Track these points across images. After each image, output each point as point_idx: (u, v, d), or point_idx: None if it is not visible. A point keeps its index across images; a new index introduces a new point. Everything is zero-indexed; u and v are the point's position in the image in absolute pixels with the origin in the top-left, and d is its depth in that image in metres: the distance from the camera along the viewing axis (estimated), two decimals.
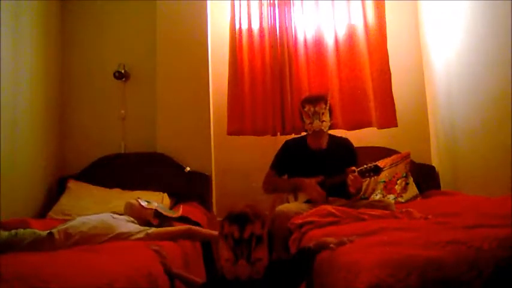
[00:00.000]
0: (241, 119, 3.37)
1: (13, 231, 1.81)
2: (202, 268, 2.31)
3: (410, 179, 3.14)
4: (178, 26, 3.34)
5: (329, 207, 2.19)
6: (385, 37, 3.43)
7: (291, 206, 2.46)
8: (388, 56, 3.40)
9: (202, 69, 3.33)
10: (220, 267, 1.42)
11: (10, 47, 2.69)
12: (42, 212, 2.91)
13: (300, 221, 2.14)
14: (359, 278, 1.18)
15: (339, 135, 2.90)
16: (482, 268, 1.18)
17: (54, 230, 1.86)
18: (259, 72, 3.42)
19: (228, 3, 3.49)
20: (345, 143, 2.76)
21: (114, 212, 2.25)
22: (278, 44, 3.43)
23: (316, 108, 2.59)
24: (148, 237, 1.98)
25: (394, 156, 3.24)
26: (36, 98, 3.01)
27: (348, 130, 3.36)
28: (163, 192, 2.95)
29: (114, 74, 3.36)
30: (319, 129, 2.59)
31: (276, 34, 3.45)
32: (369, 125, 3.40)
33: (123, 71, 3.37)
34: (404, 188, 3.09)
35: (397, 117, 3.35)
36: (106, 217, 2.06)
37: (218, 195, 3.33)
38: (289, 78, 3.39)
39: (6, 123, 2.60)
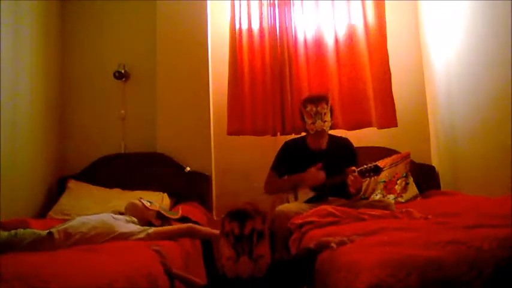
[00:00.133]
0: (241, 119, 3.37)
1: (13, 231, 1.80)
2: (202, 268, 2.31)
3: (410, 179, 3.14)
4: (178, 26, 3.35)
5: (329, 207, 2.19)
6: (385, 37, 3.43)
7: (291, 206, 2.46)
8: (388, 56, 3.40)
9: (202, 69, 3.33)
10: (221, 266, 1.41)
11: (10, 47, 2.69)
12: (42, 212, 2.91)
13: (300, 221, 2.14)
14: (359, 278, 1.18)
15: (339, 135, 2.90)
16: (482, 268, 1.18)
17: (53, 230, 1.86)
18: (259, 72, 3.42)
19: (228, 3, 3.49)
20: (344, 143, 2.76)
21: (114, 212, 2.25)
22: (278, 44, 3.43)
23: (318, 108, 2.59)
24: (149, 237, 1.98)
25: (394, 156, 3.25)
26: (36, 98, 3.01)
27: (348, 130, 3.36)
28: (163, 192, 2.95)
29: (114, 74, 3.36)
30: (321, 130, 2.60)
31: (276, 34, 3.45)
32: (369, 125, 3.40)
33: (123, 71, 3.37)
34: (404, 188, 3.09)
35: (397, 117, 3.35)
36: (106, 217, 2.06)
37: (218, 195, 3.33)
38: (289, 78, 3.39)
39: (6, 123, 2.60)
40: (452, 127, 3.17)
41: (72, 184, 3.05)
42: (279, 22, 3.47)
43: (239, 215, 1.39)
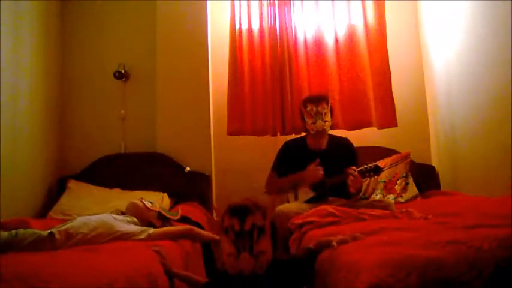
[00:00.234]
0: (241, 119, 3.37)
1: (13, 231, 1.80)
2: (202, 268, 2.31)
3: (410, 179, 3.14)
4: (178, 26, 3.35)
5: (329, 207, 2.19)
6: (385, 37, 3.43)
7: (291, 206, 2.46)
8: (388, 56, 3.40)
9: (202, 69, 3.33)
10: (222, 263, 1.40)
11: (10, 47, 2.69)
12: (42, 212, 2.91)
13: (300, 221, 2.14)
14: (359, 278, 1.18)
15: (339, 135, 2.90)
16: (482, 268, 1.18)
17: (54, 230, 1.86)
18: (259, 72, 3.42)
19: (228, 3, 3.49)
20: (344, 142, 2.76)
21: (116, 212, 2.25)
22: (278, 44, 3.43)
23: (319, 108, 2.60)
24: (150, 237, 1.98)
25: (394, 156, 3.25)
26: (36, 98, 3.01)
27: (348, 130, 3.36)
28: (163, 192, 2.95)
29: (114, 74, 3.36)
30: (321, 129, 2.60)
31: (276, 34, 3.45)
32: (369, 125, 3.40)
33: (123, 71, 3.37)
34: (404, 188, 3.09)
35: (397, 117, 3.35)
36: (107, 218, 2.06)
37: (218, 195, 3.33)
38: (289, 78, 3.39)
39: (6, 123, 2.60)
40: (452, 127, 3.17)
41: (72, 184, 3.05)
42: (279, 22, 3.47)
43: (239, 211, 1.36)
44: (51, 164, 3.19)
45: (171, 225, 2.28)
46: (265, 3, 3.49)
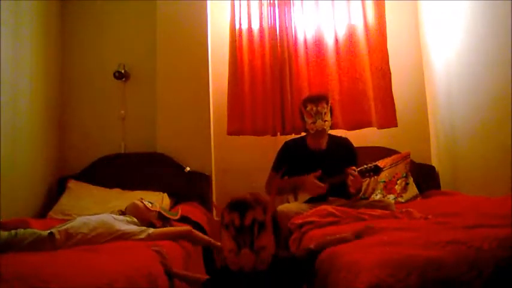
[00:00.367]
0: (241, 119, 3.37)
1: (13, 231, 1.80)
2: (202, 268, 2.32)
3: (410, 179, 3.14)
4: (178, 26, 3.35)
5: (329, 207, 2.19)
6: (385, 37, 3.43)
7: (291, 206, 2.46)
8: (388, 56, 3.40)
9: (202, 69, 3.33)
10: (224, 259, 1.38)
11: (10, 47, 2.69)
12: (42, 212, 2.90)
13: (300, 221, 2.14)
14: (359, 278, 1.18)
15: (339, 135, 2.90)
16: (482, 268, 1.18)
17: (54, 230, 1.86)
18: (259, 72, 3.42)
19: (228, 3, 3.49)
20: (344, 142, 2.76)
21: (117, 212, 2.25)
22: (278, 44, 3.43)
23: (319, 108, 2.60)
24: (150, 237, 1.98)
25: (394, 156, 3.25)
26: (36, 98, 3.01)
27: (348, 130, 3.36)
28: (163, 192, 2.95)
29: (114, 74, 3.36)
30: (321, 129, 2.60)
31: (276, 34, 3.45)
32: (369, 125, 3.40)
33: (123, 71, 3.37)
34: (404, 188, 3.09)
35: (397, 117, 3.35)
36: (107, 217, 2.06)
37: (218, 195, 3.33)
38: (289, 78, 3.39)
39: (6, 123, 2.60)
40: (452, 127, 3.17)
41: (72, 184, 3.05)
42: (279, 22, 3.47)
43: (239, 206, 1.35)
44: (51, 164, 3.19)
45: (171, 225, 2.28)
46: (265, 3, 3.49)
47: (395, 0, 3.63)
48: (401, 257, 1.23)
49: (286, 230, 2.22)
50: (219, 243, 2.07)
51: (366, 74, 3.42)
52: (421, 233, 1.59)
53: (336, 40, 3.48)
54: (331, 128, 2.76)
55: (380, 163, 2.67)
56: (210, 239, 2.24)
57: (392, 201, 2.79)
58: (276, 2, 3.49)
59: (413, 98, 3.61)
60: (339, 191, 2.54)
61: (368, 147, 3.27)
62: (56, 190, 3.14)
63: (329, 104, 2.65)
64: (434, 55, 3.43)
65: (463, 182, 3.03)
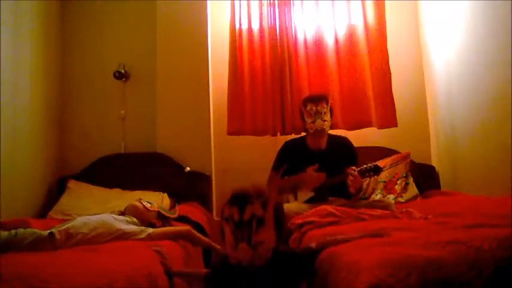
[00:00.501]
0: (241, 119, 3.37)
1: (13, 231, 1.80)
2: (202, 268, 2.31)
3: (410, 179, 3.14)
4: (178, 26, 3.35)
5: (329, 207, 2.19)
6: (385, 37, 3.43)
7: (291, 206, 2.46)
8: (388, 56, 3.40)
9: (202, 69, 3.33)
10: (226, 253, 1.39)
11: (10, 47, 2.69)
12: (42, 212, 2.90)
13: (300, 221, 2.14)
14: (359, 278, 1.18)
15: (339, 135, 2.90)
16: (482, 268, 1.18)
17: (54, 230, 1.86)
18: (259, 72, 3.42)
19: (228, 3, 3.49)
20: (344, 142, 2.76)
21: (117, 212, 2.25)
22: (278, 44, 3.43)
23: (318, 108, 2.60)
24: (150, 237, 1.98)
25: (394, 156, 3.25)
26: (36, 98, 3.01)
27: (348, 130, 3.36)
28: (163, 192, 2.95)
29: (114, 74, 3.36)
30: (321, 129, 2.60)
31: (276, 34, 3.45)
32: (369, 125, 3.40)
33: (123, 71, 3.37)
34: (404, 188, 3.09)
35: (397, 117, 3.35)
36: (107, 217, 2.06)
37: (218, 195, 3.33)
38: (289, 78, 3.39)
39: (6, 123, 2.60)
40: (452, 127, 3.17)
41: (72, 184, 3.05)
42: (279, 22, 3.47)
43: (239, 200, 1.36)
44: (51, 164, 3.19)
45: (171, 224, 2.28)
46: (265, 3, 3.49)
47: (395, 0, 3.63)
48: (401, 257, 1.23)
49: (286, 229, 2.22)
50: (218, 246, 2.08)
51: (366, 74, 3.42)
52: (421, 233, 1.59)
53: (336, 40, 3.48)
54: (331, 128, 2.76)
55: (380, 163, 2.67)
56: (210, 241, 2.24)
57: (393, 201, 2.79)
58: (276, 2, 3.49)
59: (413, 98, 3.61)
60: (339, 191, 2.54)
61: (368, 147, 3.27)
62: (56, 190, 3.14)
63: (329, 104, 2.65)
64: (434, 55, 3.43)
65: (463, 182, 3.03)
